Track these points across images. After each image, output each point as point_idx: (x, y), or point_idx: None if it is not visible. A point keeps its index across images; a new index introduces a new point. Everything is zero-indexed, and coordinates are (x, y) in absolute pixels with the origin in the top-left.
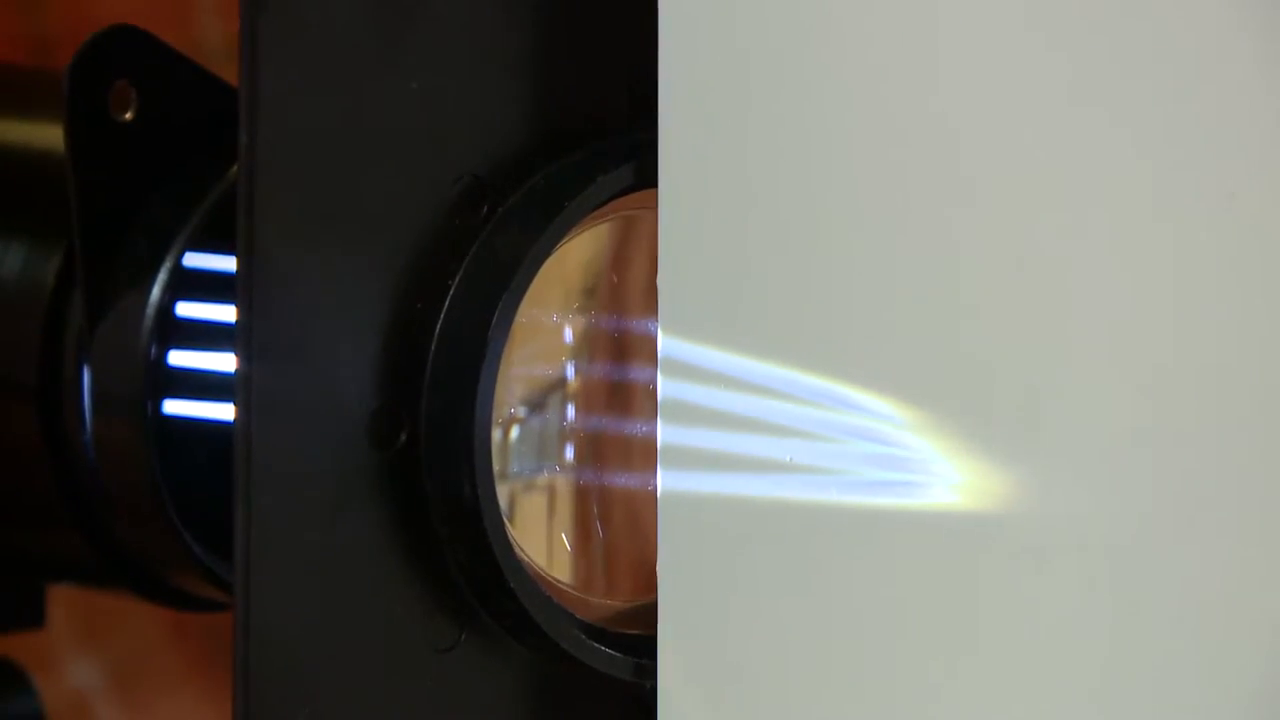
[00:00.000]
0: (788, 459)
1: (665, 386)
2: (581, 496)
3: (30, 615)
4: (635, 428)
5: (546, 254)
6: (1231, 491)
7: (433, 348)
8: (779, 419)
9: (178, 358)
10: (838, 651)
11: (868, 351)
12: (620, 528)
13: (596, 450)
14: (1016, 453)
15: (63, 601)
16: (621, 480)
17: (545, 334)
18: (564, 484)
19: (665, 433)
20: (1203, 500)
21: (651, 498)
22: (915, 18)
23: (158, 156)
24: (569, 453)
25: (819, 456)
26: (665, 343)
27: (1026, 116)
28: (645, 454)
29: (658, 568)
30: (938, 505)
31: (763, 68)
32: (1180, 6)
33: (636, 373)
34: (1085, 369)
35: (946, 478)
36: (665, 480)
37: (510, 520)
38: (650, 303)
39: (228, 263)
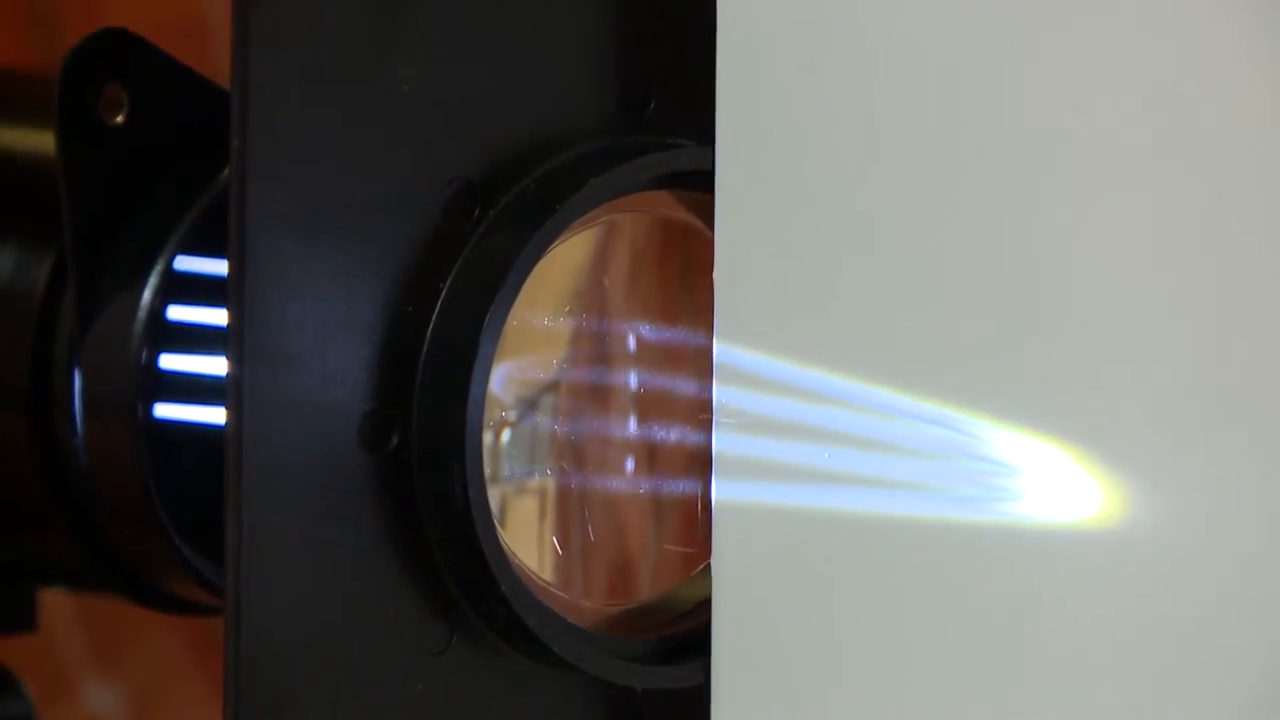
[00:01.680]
0: (825, 456)
1: (720, 394)
2: (573, 500)
3: (21, 619)
4: (626, 431)
5: (538, 257)
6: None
7: (424, 350)
8: (835, 427)
9: (169, 361)
10: (891, 664)
11: (920, 358)
12: (611, 531)
13: (588, 454)
14: (1071, 462)
15: (82, 623)
16: (613, 484)
17: (537, 337)
18: (555, 487)
19: (720, 441)
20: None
21: (642, 501)
22: (957, 32)
23: (148, 160)
24: (561, 456)
25: (876, 467)
26: (720, 350)
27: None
28: (637, 457)
29: (712, 575)
30: (995, 518)
31: (818, 76)
32: (1170, 8)
33: (628, 376)
34: (1138, 377)
35: (1009, 491)
36: (720, 489)
37: (501, 523)
38: (639, 306)
39: (219, 266)
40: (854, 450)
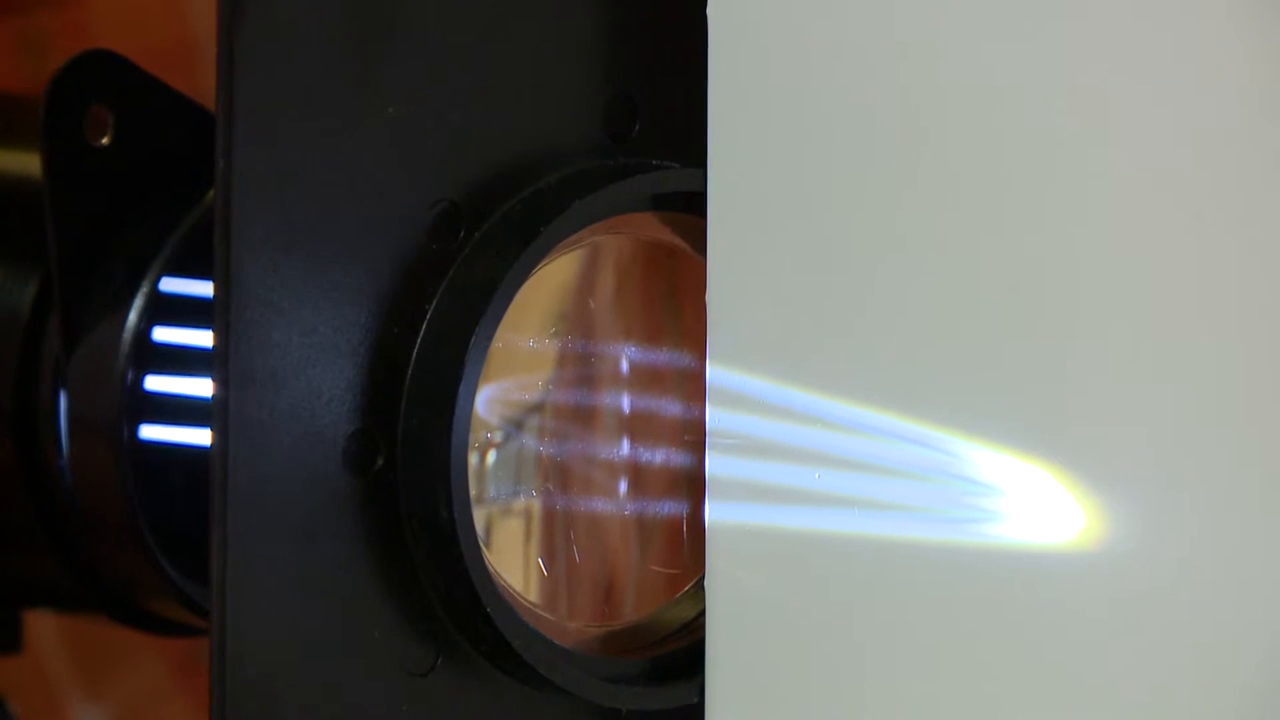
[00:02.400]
0: (816, 477)
1: (713, 416)
2: (558, 521)
3: (7, 640)
4: (611, 452)
5: (522, 279)
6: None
7: (409, 372)
8: (826, 449)
9: (154, 382)
10: (881, 682)
11: (909, 381)
12: (596, 553)
13: (574, 475)
14: (1056, 484)
15: (68, 644)
16: (598, 505)
17: (522, 358)
18: (541, 509)
19: (713, 463)
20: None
21: (627, 522)
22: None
23: (134, 181)
24: (546, 478)
25: (867, 489)
26: (713, 373)
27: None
28: (622, 479)
29: (706, 595)
30: (985, 539)
31: (809, 100)
32: (1152, 34)
33: (613, 397)
34: (1122, 400)
35: (999, 513)
36: (713, 510)
37: (487, 545)
38: (624, 327)
39: (204, 288)
40: (845, 472)
